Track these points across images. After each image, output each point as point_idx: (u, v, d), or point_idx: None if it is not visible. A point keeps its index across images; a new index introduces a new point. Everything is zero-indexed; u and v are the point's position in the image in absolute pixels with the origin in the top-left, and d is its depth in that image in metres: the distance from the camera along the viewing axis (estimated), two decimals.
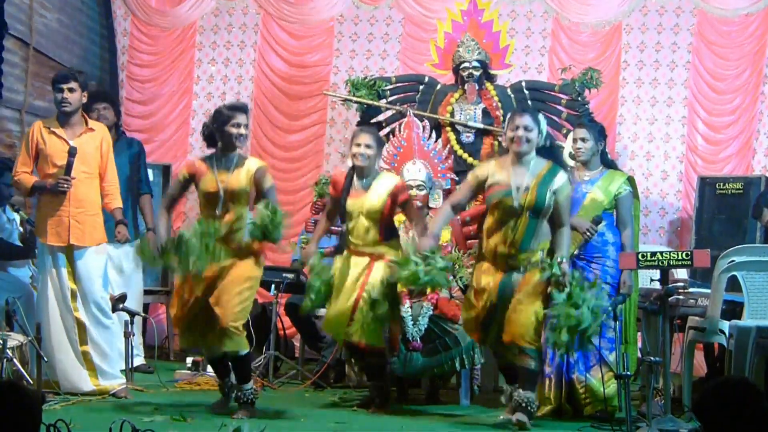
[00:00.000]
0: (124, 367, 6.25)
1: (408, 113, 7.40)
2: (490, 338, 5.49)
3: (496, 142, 7.36)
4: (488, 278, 5.39)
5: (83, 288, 5.91)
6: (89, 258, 5.95)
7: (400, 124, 7.45)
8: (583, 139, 5.88)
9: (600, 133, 5.96)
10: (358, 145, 5.77)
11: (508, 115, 5.62)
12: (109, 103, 7.12)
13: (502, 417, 5.56)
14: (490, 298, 5.38)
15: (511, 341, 5.31)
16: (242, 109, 5.68)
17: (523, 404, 5.33)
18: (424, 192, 6.33)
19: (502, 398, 5.61)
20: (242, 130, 5.59)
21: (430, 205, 6.44)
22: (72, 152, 5.83)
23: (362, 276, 5.70)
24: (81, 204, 5.91)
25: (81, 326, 5.91)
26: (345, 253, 5.85)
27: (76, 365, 5.89)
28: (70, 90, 5.91)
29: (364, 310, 5.65)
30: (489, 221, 5.44)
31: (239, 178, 5.54)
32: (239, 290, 5.46)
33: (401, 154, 6.88)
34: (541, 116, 5.56)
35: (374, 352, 5.80)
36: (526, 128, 5.38)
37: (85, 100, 6.05)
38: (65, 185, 5.82)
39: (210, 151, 5.72)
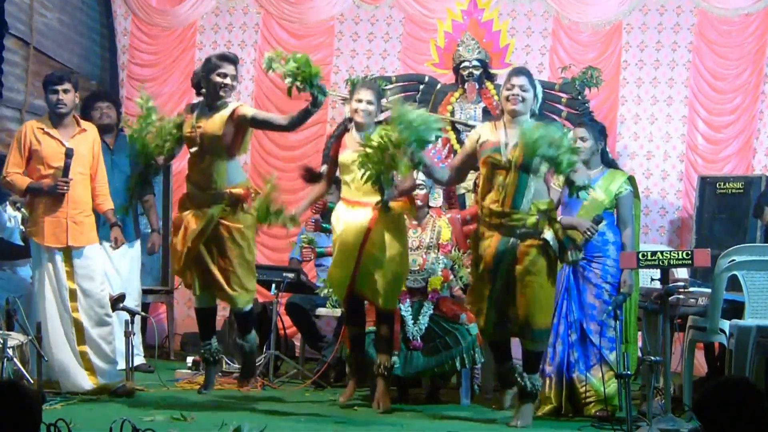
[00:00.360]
0: (124, 367, 6.25)
1: None
2: (489, 323, 5.43)
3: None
4: (485, 242, 5.36)
5: (83, 287, 5.91)
6: (87, 257, 5.95)
7: None
8: (582, 139, 5.88)
9: (600, 133, 5.96)
10: (360, 101, 5.74)
11: (505, 75, 5.60)
12: (111, 103, 7.13)
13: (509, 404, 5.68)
14: (487, 265, 5.34)
15: (525, 321, 5.31)
16: (231, 59, 5.61)
17: (529, 389, 5.41)
18: (423, 191, 6.32)
19: (507, 400, 5.63)
20: (228, 81, 5.52)
21: (430, 204, 6.43)
22: (69, 154, 5.81)
23: (363, 231, 5.62)
24: (77, 205, 5.91)
25: (78, 326, 5.90)
26: (341, 205, 5.76)
27: (75, 364, 5.89)
28: (65, 91, 5.89)
29: (379, 273, 5.63)
30: (482, 181, 5.43)
31: (214, 122, 5.52)
32: (242, 258, 5.59)
33: None
34: (537, 81, 5.55)
35: (387, 315, 5.80)
36: (521, 87, 5.36)
37: (77, 100, 6.05)
38: (64, 187, 5.81)
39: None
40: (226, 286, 5.61)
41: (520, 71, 5.55)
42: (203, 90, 5.64)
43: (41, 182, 5.86)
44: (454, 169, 5.68)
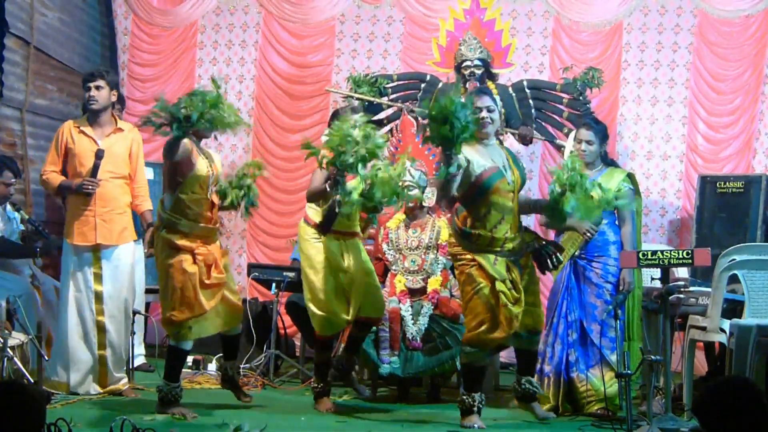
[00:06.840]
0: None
1: (403, 111, 7.41)
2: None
3: (497, 141, 7.34)
4: (502, 268, 5.28)
5: (110, 288, 5.92)
6: (117, 257, 5.97)
7: (396, 124, 7.47)
8: (588, 142, 5.89)
9: (604, 134, 5.97)
10: None
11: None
12: (121, 105, 7.13)
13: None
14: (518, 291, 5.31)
15: (533, 327, 5.46)
16: None
17: (533, 391, 5.60)
18: (414, 192, 6.29)
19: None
20: None
21: (424, 204, 6.43)
22: (99, 155, 5.85)
23: (347, 258, 5.69)
24: (107, 203, 5.93)
25: (101, 330, 5.92)
26: (331, 239, 5.66)
27: (92, 368, 5.92)
28: (97, 88, 5.96)
29: (365, 286, 5.67)
30: (485, 210, 5.27)
31: (217, 164, 5.62)
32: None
33: (398, 154, 6.88)
34: (497, 98, 5.54)
35: (369, 325, 5.91)
36: (488, 109, 5.36)
37: (114, 98, 6.08)
38: (90, 187, 5.84)
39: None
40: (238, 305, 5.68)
41: (482, 91, 5.57)
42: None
43: (71, 181, 5.91)
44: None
